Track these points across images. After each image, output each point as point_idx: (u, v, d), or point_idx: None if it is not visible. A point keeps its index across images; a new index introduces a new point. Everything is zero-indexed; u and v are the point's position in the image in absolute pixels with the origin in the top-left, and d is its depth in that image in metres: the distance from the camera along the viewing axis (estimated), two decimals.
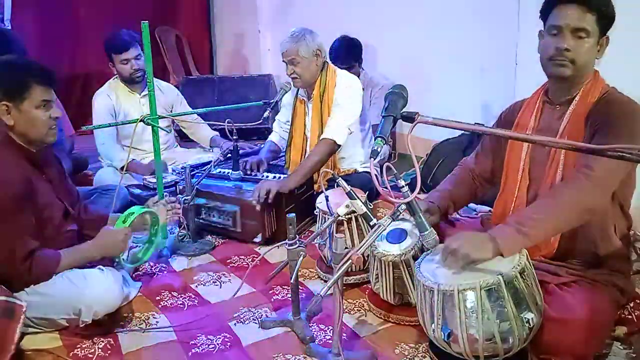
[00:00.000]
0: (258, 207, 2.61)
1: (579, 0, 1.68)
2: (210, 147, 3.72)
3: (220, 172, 2.94)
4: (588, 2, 1.68)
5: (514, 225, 1.63)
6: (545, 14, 1.78)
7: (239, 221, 2.71)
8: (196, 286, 2.36)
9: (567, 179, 1.72)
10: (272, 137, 3.29)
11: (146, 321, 2.09)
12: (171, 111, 3.60)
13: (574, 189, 1.65)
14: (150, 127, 2.57)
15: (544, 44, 1.78)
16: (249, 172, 2.92)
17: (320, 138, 2.86)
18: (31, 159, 1.98)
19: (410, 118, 1.56)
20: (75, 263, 1.95)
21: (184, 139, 4.09)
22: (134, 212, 2.08)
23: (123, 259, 2.10)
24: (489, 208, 2.33)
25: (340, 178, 1.94)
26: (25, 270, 1.84)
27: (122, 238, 2.01)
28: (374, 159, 1.51)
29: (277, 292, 2.28)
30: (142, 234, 2.35)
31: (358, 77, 3.88)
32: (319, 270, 2.41)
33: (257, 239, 2.69)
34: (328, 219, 2.00)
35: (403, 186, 1.63)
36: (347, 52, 4.00)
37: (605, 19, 1.71)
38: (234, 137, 2.82)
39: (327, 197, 2.03)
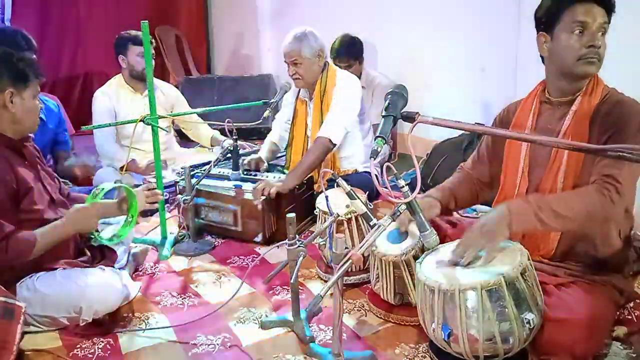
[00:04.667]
0: (260, 206, 2.61)
1: None
2: (212, 145, 3.71)
3: (220, 172, 2.94)
4: None
5: (534, 206, 1.62)
6: (556, 13, 1.74)
7: (240, 220, 2.71)
8: (196, 286, 2.36)
9: (595, 185, 1.66)
10: (272, 137, 3.29)
11: (146, 321, 2.09)
12: (171, 112, 3.60)
13: (603, 200, 1.62)
14: (150, 127, 2.57)
15: (565, 45, 1.72)
16: (248, 171, 2.92)
17: (316, 136, 2.86)
18: (14, 147, 1.99)
19: (410, 118, 1.57)
20: (52, 241, 1.94)
21: (183, 139, 4.10)
22: (104, 188, 2.08)
23: (99, 236, 2.09)
24: (489, 208, 2.33)
25: (340, 178, 1.94)
26: (2, 250, 1.83)
27: (92, 213, 2.00)
28: (374, 159, 1.51)
29: (277, 292, 2.28)
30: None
31: (359, 76, 3.90)
32: (319, 270, 2.40)
33: (258, 239, 2.69)
34: (328, 219, 2.00)
35: (403, 186, 1.63)
36: (347, 51, 4.00)
37: (610, 15, 1.72)
38: (234, 137, 2.82)
39: (327, 197, 2.03)
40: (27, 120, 2.03)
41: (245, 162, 2.95)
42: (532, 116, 1.88)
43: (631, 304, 1.90)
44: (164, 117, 3.07)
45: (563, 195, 1.73)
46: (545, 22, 1.79)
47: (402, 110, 1.61)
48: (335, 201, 2.09)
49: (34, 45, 3.01)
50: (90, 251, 2.20)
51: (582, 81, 1.78)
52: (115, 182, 2.16)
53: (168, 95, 3.65)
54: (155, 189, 2.27)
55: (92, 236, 2.08)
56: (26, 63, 2.02)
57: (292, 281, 1.92)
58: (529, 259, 1.62)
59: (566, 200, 1.68)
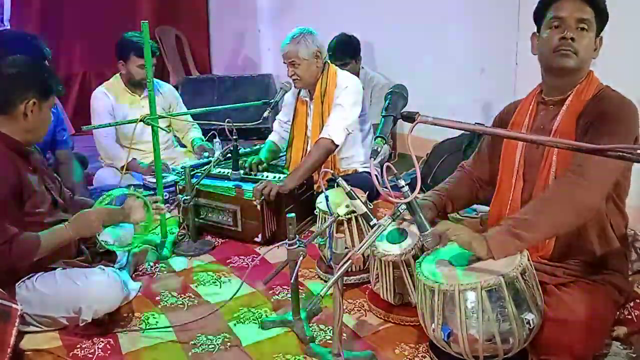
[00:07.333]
0: (259, 206, 2.61)
1: None
2: (193, 150, 3.69)
3: (220, 172, 2.94)
4: None
5: (506, 227, 1.62)
6: (542, 11, 1.79)
7: (240, 220, 2.71)
8: (196, 286, 2.36)
9: (558, 178, 1.71)
10: (272, 137, 3.28)
11: (146, 321, 2.09)
12: (169, 112, 3.60)
13: (567, 188, 1.64)
14: (149, 127, 2.57)
15: (544, 39, 1.77)
16: (248, 172, 2.92)
17: (318, 137, 2.86)
18: (20, 151, 2.00)
19: (410, 118, 1.56)
20: (54, 244, 1.94)
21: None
22: (111, 194, 2.09)
23: (103, 241, 2.09)
24: (488, 208, 2.33)
25: (340, 178, 1.94)
26: (5, 252, 1.83)
27: (95, 217, 2.00)
28: (374, 159, 1.51)
29: (277, 292, 2.28)
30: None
31: (357, 75, 3.89)
32: (319, 270, 2.40)
33: (258, 239, 2.69)
34: (328, 219, 2.00)
35: (403, 186, 1.63)
36: (344, 50, 3.99)
37: (601, 16, 1.73)
38: (234, 137, 2.82)
39: (327, 197, 2.03)
40: (40, 131, 2.06)
41: (247, 166, 2.95)
42: (528, 116, 1.88)
43: (631, 304, 1.89)
44: (164, 117, 3.08)
45: (531, 202, 1.72)
46: (535, 21, 1.83)
47: (402, 110, 1.61)
48: (335, 201, 2.09)
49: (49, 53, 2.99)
50: (90, 251, 2.20)
51: (567, 77, 1.78)
52: (124, 189, 2.16)
53: (165, 95, 3.65)
54: (158, 201, 2.27)
55: (98, 242, 2.09)
56: (52, 77, 2.06)
57: (292, 281, 1.92)
58: (528, 259, 1.62)
59: (533, 205, 1.68)
